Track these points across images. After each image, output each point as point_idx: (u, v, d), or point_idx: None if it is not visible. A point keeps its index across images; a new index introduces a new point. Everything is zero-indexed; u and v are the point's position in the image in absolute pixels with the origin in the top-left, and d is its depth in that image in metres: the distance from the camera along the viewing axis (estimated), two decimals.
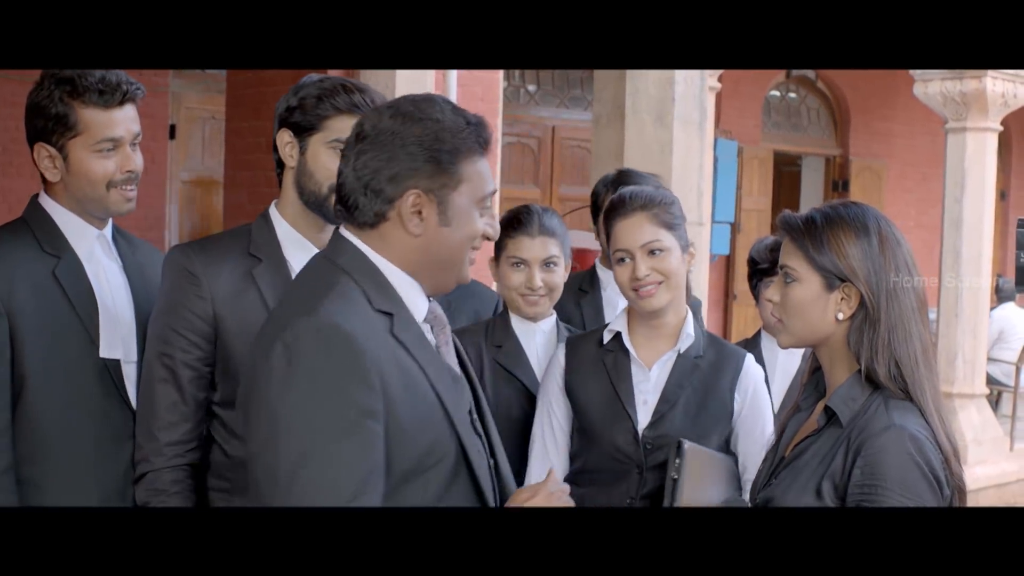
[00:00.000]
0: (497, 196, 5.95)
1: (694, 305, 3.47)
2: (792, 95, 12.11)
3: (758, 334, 3.53)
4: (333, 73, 3.00)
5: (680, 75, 5.78)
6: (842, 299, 2.05)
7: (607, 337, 2.71)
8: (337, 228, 1.90)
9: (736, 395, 2.68)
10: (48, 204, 2.47)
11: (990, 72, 7.95)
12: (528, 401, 2.83)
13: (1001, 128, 8.38)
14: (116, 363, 2.42)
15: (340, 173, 1.86)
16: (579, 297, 3.49)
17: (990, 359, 9.07)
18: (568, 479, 2.70)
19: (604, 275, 3.47)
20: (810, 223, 2.08)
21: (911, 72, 8.39)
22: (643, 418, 2.62)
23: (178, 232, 8.79)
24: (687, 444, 2.51)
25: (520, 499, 1.87)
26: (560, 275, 2.91)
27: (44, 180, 2.48)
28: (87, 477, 2.37)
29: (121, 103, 2.42)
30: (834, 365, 2.10)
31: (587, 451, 2.67)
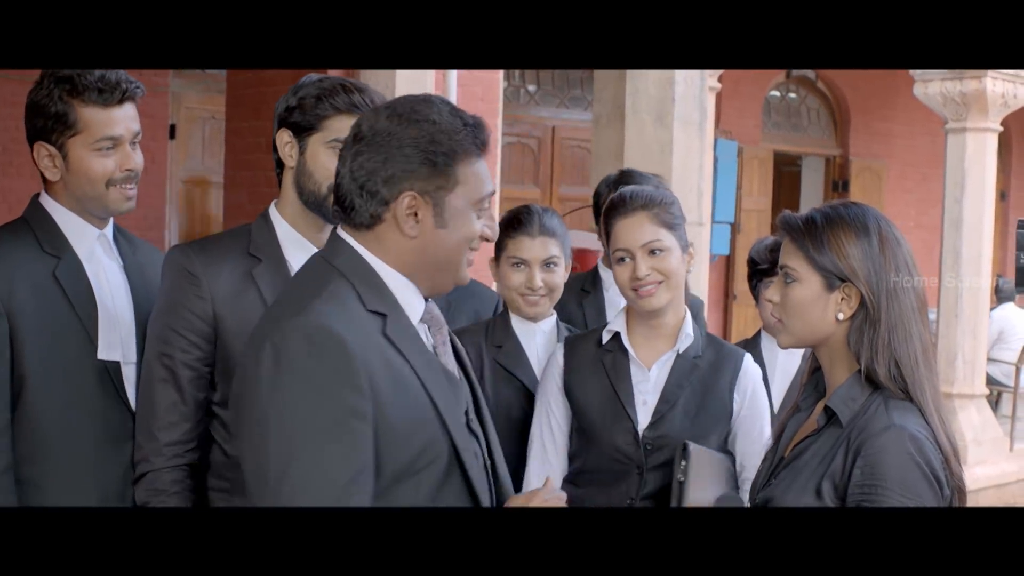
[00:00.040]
0: (497, 196, 5.97)
1: (696, 306, 3.47)
2: (792, 95, 12.11)
3: (758, 334, 3.53)
4: (333, 73, 3.00)
5: (680, 75, 5.78)
6: (842, 299, 2.05)
7: (606, 337, 2.71)
8: (335, 228, 1.90)
9: (735, 395, 2.68)
10: (49, 204, 2.47)
11: (990, 72, 7.95)
12: (528, 401, 2.83)
13: (1001, 128, 8.38)
14: (116, 364, 2.42)
15: (337, 173, 1.86)
16: (581, 297, 3.49)
17: (990, 359, 9.07)
18: (568, 479, 2.70)
19: (606, 275, 3.47)
20: (810, 223, 2.08)
21: (911, 72, 8.38)
22: (643, 418, 2.62)
23: (177, 232, 8.79)
24: (692, 446, 2.52)
25: (514, 506, 1.87)
26: (560, 275, 2.91)
27: (44, 180, 2.48)
28: (86, 478, 2.37)
29: (120, 102, 2.42)
30: (834, 365, 2.10)
31: (586, 451, 2.67)
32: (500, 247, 2.93)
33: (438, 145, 1.80)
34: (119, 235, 2.57)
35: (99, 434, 2.39)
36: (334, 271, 1.83)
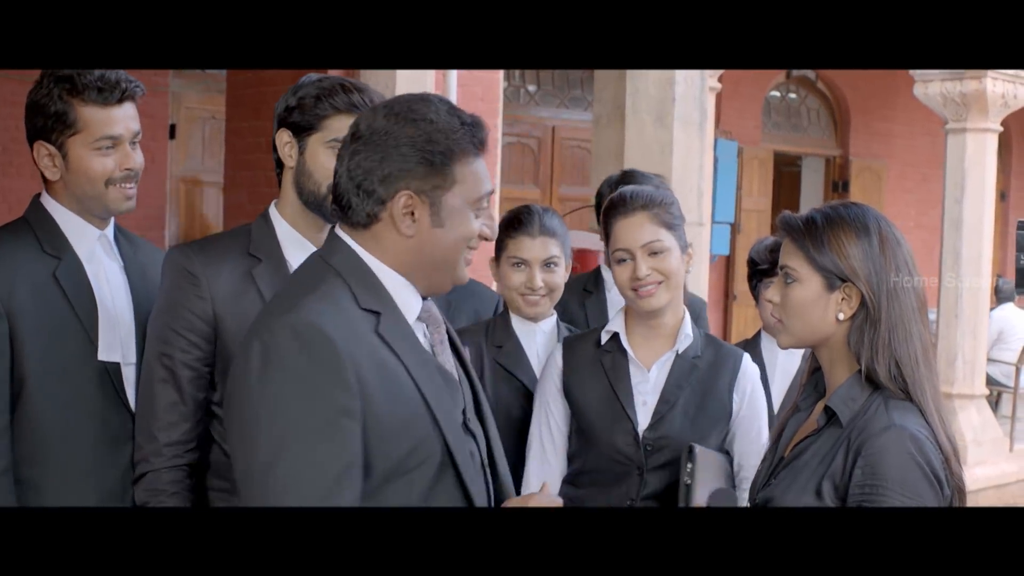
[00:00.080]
0: (497, 196, 5.97)
1: (698, 306, 3.48)
2: (792, 95, 12.11)
3: (758, 335, 3.53)
4: (333, 73, 3.00)
5: (680, 75, 5.78)
6: (843, 299, 2.05)
7: (604, 338, 2.70)
8: (332, 227, 1.90)
9: (734, 395, 2.68)
10: (50, 204, 2.47)
11: (990, 73, 7.95)
12: (528, 401, 2.83)
13: (1001, 129, 8.38)
14: (116, 366, 2.42)
15: (335, 172, 1.86)
16: (583, 298, 3.49)
17: (989, 360, 9.06)
18: (567, 480, 2.70)
19: (608, 276, 3.47)
20: (811, 223, 2.08)
21: (911, 73, 8.39)
22: (643, 419, 2.62)
23: (176, 232, 8.79)
24: (698, 448, 2.52)
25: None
26: (561, 275, 2.91)
27: (44, 179, 2.48)
28: (86, 479, 2.37)
29: (120, 101, 2.42)
30: (834, 365, 2.10)
31: (586, 452, 2.67)
32: (500, 247, 2.92)
33: (435, 144, 1.80)
34: (120, 235, 2.56)
35: (99, 435, 2.39)
36: (330, 270, 1.83)
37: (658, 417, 2.61)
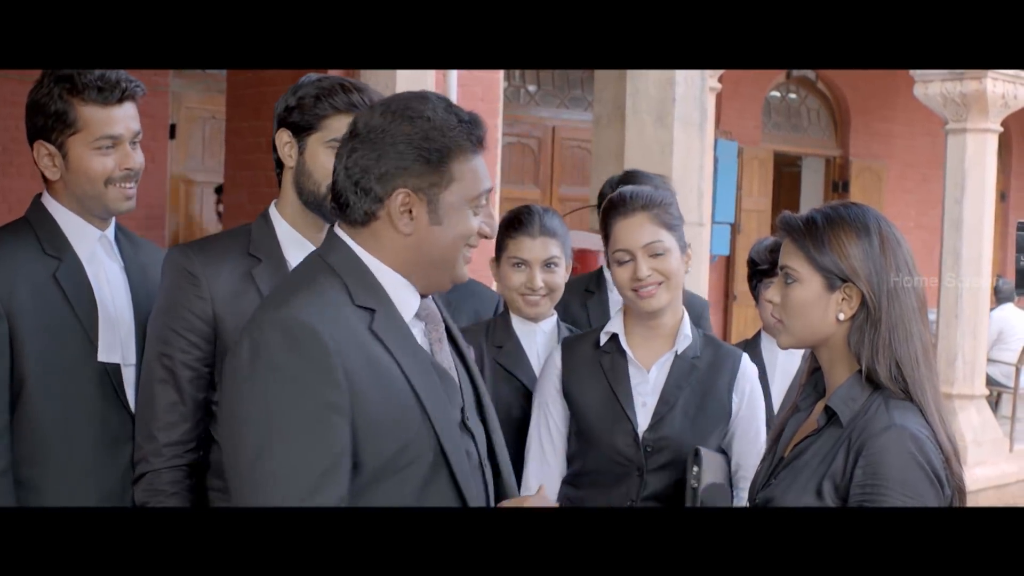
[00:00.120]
0: (497, 196, 5.97)
1: (701, 307, 3.48)
2: (792, 96, 12.11)
3: (758, 335, 3.53)
4: (333, 73, 3.00)
5: (680, 76, 5.78)
6: (843, 299, 2.05)
7: (604, 339, 2.70)
8: (331, 226, 1.90)
9: (734, 395, 2.68)
10: (51, 204, 2.47)
11: (990, 73, 7.95)
12: (528, 401, 2.82)
13: (1001, 129, 8.38)
14: (116, 367, 2.42)
15: (334, 171, 1.86)
16: (585, 298, 3.49)
17: (989, 360, 9.06)
18: (567, 481, 2.70)
19: (610, 276, 3.47)
20: (811, 224, 2.08)
21: (911, 73, 8.39)
22: (643, 420, 2.62)
23: (174, 232, 8.78)
24: (704, 451, 2.52)
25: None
26: (561, 276, 2.91)
27: (45, 179, 2.48)
28: (85, 479, 2.37)
29: (120, 100, 2.42)
30: (834, 365, 2.10)
31: (586, 453, 2.67)
32: (501, 247, 2.92)
33: (432, 142, 1.80)
34: (121, 235, 2.56)
35: (98, 436, 2.39)
36: (326, 267, 1.83)
37: (658, 418, 2.61)
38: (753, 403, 2.70)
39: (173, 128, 8.67)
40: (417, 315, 1.88)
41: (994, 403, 9.97)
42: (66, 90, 2.38)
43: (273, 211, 2.37)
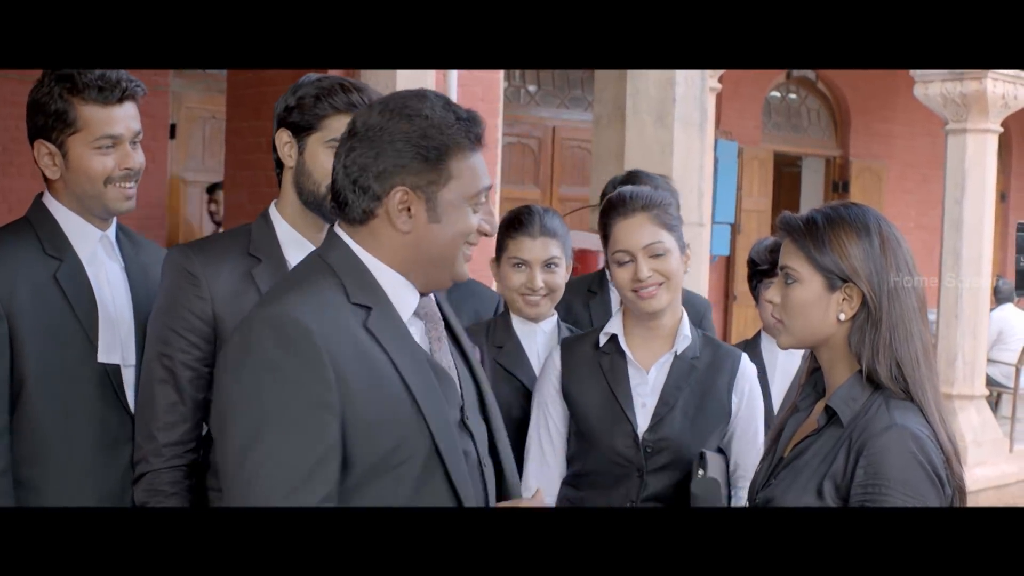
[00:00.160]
0: (497, 197, 5.97)
1: (703, 307, 3.48)
2: (792, 96, 12.10)
3: (758, 335, 3.53)
4: (333, 73, 3.00)
5: (680, 76, 5.78)
6: (844, 299, 2.05)
7: (603, 339, 2.70)
8: (332, 225, 1.90)
9: (733, 396, 2.68)
10: (52, 204, 2.47)
11: (990, 73, 7.95)
12: (528, 401, 2.82)
13: (1001, 130, 8.38)
14: (115, 367, 2.42)
15: (333, 170, 1.86)
16: (588, 298, 3.48)
17: (989, 360, 9.06)
18: (567, 482, 2.70)
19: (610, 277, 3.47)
20: (811, 224, 2.08)
21: (911, 73, 8.39)
22: (642, 421, 2.61)
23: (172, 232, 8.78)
24: (709, 454, 2.53)
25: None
26: (561, 276, 2.91)
27: (46, 179, 2.48)
28: (85, 480, 2.37)
29: (121, 100, 2.42)
30: (834, 365, 2.10)
31: (586, 454, 2.66)
32: (501, 247, 2.92)
33: (429, 140, 1.80)
34: (123, 235, 2.56)
35: (98, 437, 2.39)
36: (324, 266, 1.83)
37: (657, 419, 2.61)
38: (752, 403, 2.70)
39: (173, 128, 8.67)
40: (416, 314, 1.88)
41: (994, 403, 9.97)
42: (66, 89, 2.38)
43: (273, 211, 2.37)
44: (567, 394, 2.70)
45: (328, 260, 1.84)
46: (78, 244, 2.45)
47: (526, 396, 2.84)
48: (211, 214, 8.02)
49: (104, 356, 2.40)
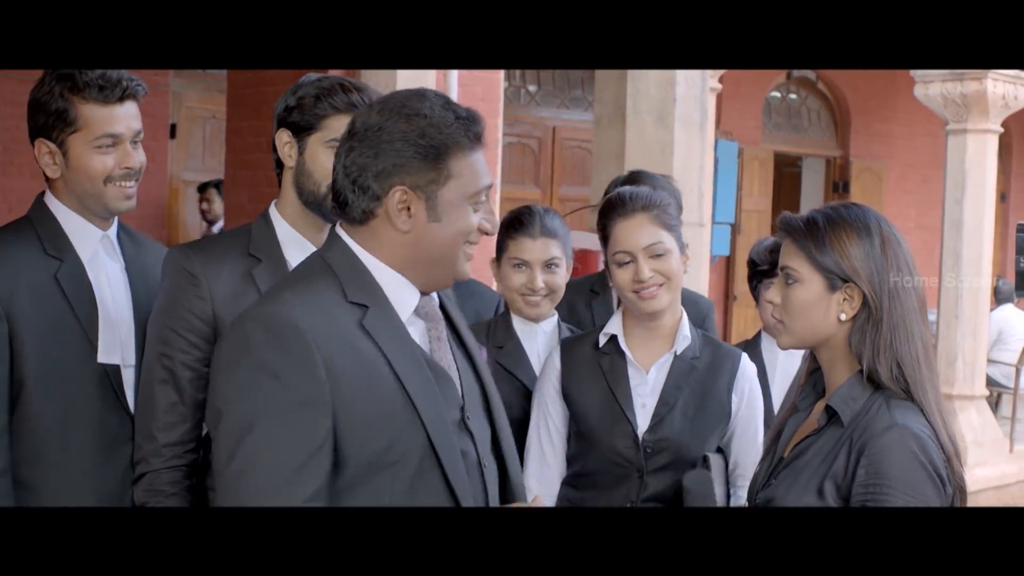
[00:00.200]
0: (497, 197, 5.97)
1: (706, 307, 3.47)
2: (793, 96, 12.10)
3: (758, 335, 3.53)
4: (333, 73, 3.00)
5: (681, 76, 5.78)
6: (844, 300, 2.05)
7: (603, 340, 2.70)
8: (333, 225, 1.91)
9: (733, 396, 2.67)
10: (53, 204, 2.47)
11: (991, 74, 7.95)
12: (529, 401, 2.82)
13: (1002, 130, 8.37)
14: (115, 368, 2.42)
15: (334, 170, 1.86)
16: (591, 299, 3.48)
17: (989, 361, 9.06)
18: (567, 482, 2.70)
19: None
20: (812, 224, 2.08)
21: (912, 73, 8.38)
22: (642, 422, 2.61)
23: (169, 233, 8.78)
24: (712, 457, 2.53)
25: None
26: (562, 276, 2.91)
27: (47, 178, 2.48)
28: (84, 481, 2.37)
29: (121, 99, 2.42)
30: (834, 365, 2.10)
31: (586, 455, 2.66)
32: (501, 248, 2.92)
33: (428, 139, 1.80)
34: (124, 235, 2.56)
35: (97, 438, 2.39)
36: (323, 265, 1.84)
37: (657, 419, 2.60)
38: (752, 403, 2.70)
39: (173, 128, 8.68)
40: (417, 313, 1.88)
41: (994, 404, 9.97)
42: (67, 88, 2.38)
43: (273, 211, 2.37)
44: (567, 394, 2.69)
45: (327, 260, 1.85)
46: (79, 244, 2.45)
47: (526, 396, 2.84)
48: (203, 212, 8.01)
49: (104, 356, 2.40)
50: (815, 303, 2.07)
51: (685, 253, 2.66)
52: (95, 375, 2.39)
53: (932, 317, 7.95)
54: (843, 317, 2.06)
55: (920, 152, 12.46)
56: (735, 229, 10.53)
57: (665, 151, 5.74)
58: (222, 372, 1.77)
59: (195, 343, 2.28)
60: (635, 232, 2.59)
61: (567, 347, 2.75)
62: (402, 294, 1.86)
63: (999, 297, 10.52)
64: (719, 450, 2.65)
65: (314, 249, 2.23)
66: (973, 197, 8.15)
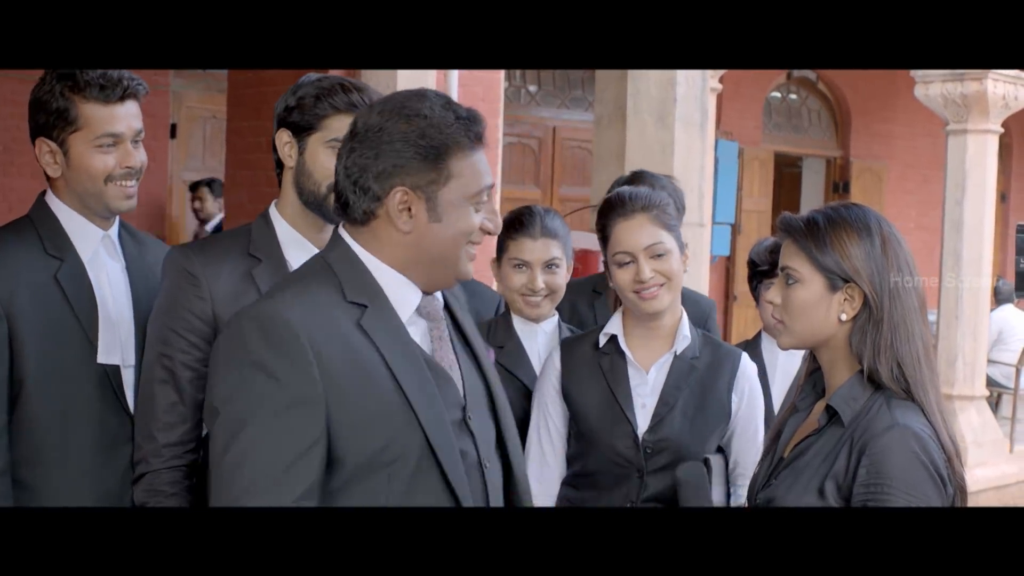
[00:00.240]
0: (498, 197, 5.96)
1: (708, 307, 3.48)
2: (793, 96, 12.10)
3: (758, 335, 3.53)
4: (333, 73, 3.00)
5: (681, 76, 5.78)
6: (845, 300, 2.05)
7: (603, 340, 2.70)
8: (336, 227, 1.91)
9: (733, 395, 2.67)
10: (54, 203, 2.47)
11: (991, 74, 7.94)
12: (529, 401, 2.82)
13: (1002, 130, 8.37)
14: (115, 368, 2.42)
15: (335, 171, 1.86)
16: (593, 299, 3.48)
17: (989, 361, 9.06)
18: (567, 482, 2.70)
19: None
20: (812, 224, 2.08)
21: (912, 73, 8.38)
22: (642, 422, 2.61)
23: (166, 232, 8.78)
24: (713, 458, 2.53)
25: None
26: (562, 276, 2.91)
27: (48, 177, 2.48)
28: (83, 481, 2.37)
29: (122, 99, 2.42)
30: (835, 365, 2.10)
31: (586, 455, 2.66)
32: (501, 248, 2.92)
33: (429, 139, 1.80)
34: (126, 234, 2.56)
35: (97, 438, 2.39)
36: (324, 265, 1.85)
37: (657, 419, 2.60)
38: (752, 402, 2.70)
39: (174, 128, 8.68)
40: (418, 312, 1.88)
41: (994, 404, 9.96)
42: (68, 87, 2.38)
43: (273, 211, 2.37)
44: (567, 394, 2.69)
45: (328, 260, 1.85)
46: (80, 244, 2.45)
47: (527, 396, 2.84)
48: (195, 211, 8.00)
49: (104, 357, 2.40)
50: (816, 303, 2.07)
51: (685, 253, 2.66)
52: (95, 375, 2.39)
53: (932, 317, 7.95)
54: (844, 317, 2.06)
55: (920, 152, 12.46)
56: (735, 229, 10.52)
57: (665, 151, 5.74)
58: (218, 369, 1.78)
59: (195, 343, 2.28)
60: (635, 232, 2.59)
61: (567, 347, 2.75)
62: (403, 294, 1.86)
63: (999, 297, 10.52)
64: (719, 450, 2.65)
65: (314, 249, 2.24)
66: (973, 197, 8.15)
